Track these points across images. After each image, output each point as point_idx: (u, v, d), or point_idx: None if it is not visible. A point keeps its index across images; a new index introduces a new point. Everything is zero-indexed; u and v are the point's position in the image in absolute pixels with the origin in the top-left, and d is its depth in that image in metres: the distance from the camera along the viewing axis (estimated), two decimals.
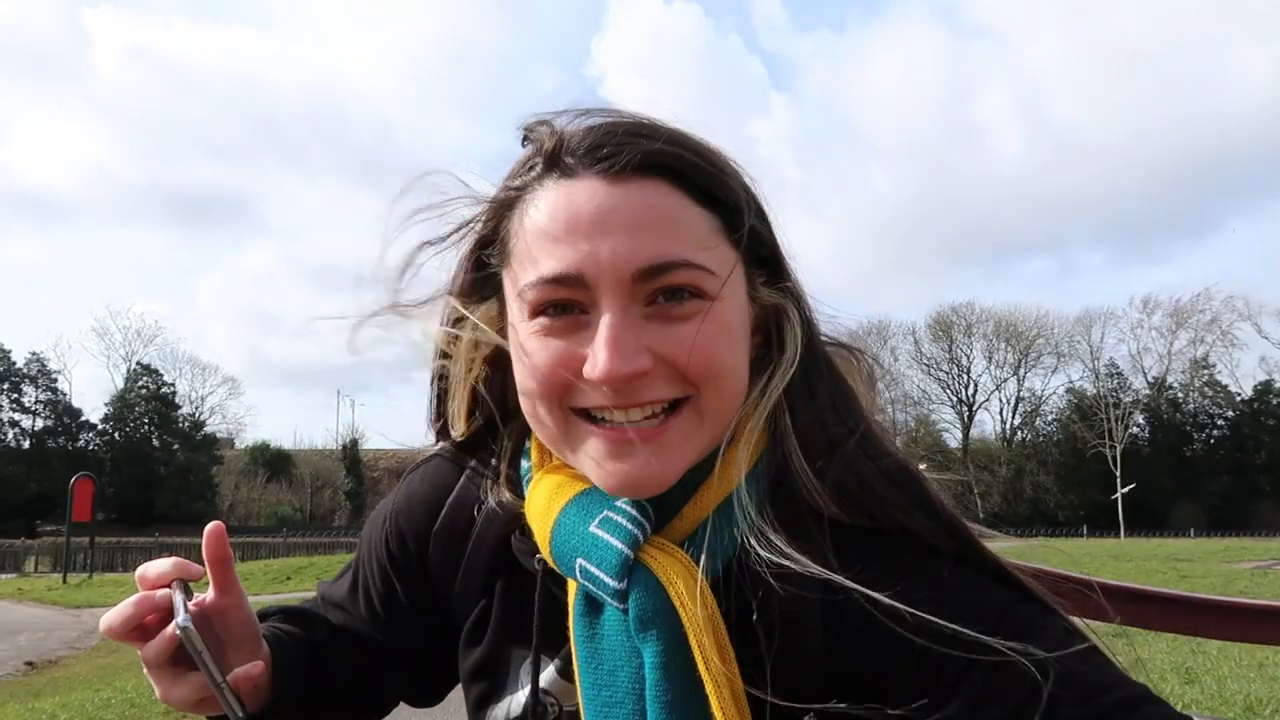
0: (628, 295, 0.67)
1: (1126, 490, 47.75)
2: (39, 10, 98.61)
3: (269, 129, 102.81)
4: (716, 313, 0.69)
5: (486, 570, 0.82)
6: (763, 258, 0.76)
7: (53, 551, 28.75)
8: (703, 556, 0.68)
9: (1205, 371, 59.82)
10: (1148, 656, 6.97)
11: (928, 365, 61.23)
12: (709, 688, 0.64)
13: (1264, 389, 58.73)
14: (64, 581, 20.48)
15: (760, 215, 0.75)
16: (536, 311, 0.69)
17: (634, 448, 0.68)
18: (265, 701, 0.79)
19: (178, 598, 0.73)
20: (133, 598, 0.74)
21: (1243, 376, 62.48)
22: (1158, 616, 1.57)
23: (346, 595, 0.95)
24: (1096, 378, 59.97)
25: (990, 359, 62.06)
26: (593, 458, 0.70)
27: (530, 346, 0.70)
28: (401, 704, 0.98)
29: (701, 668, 0.64)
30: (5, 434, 56.96)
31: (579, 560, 0.69)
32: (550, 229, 0.68)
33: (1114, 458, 54.04)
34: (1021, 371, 61.71)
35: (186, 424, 61.44)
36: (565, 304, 0.68)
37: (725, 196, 0.71)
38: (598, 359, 0.65)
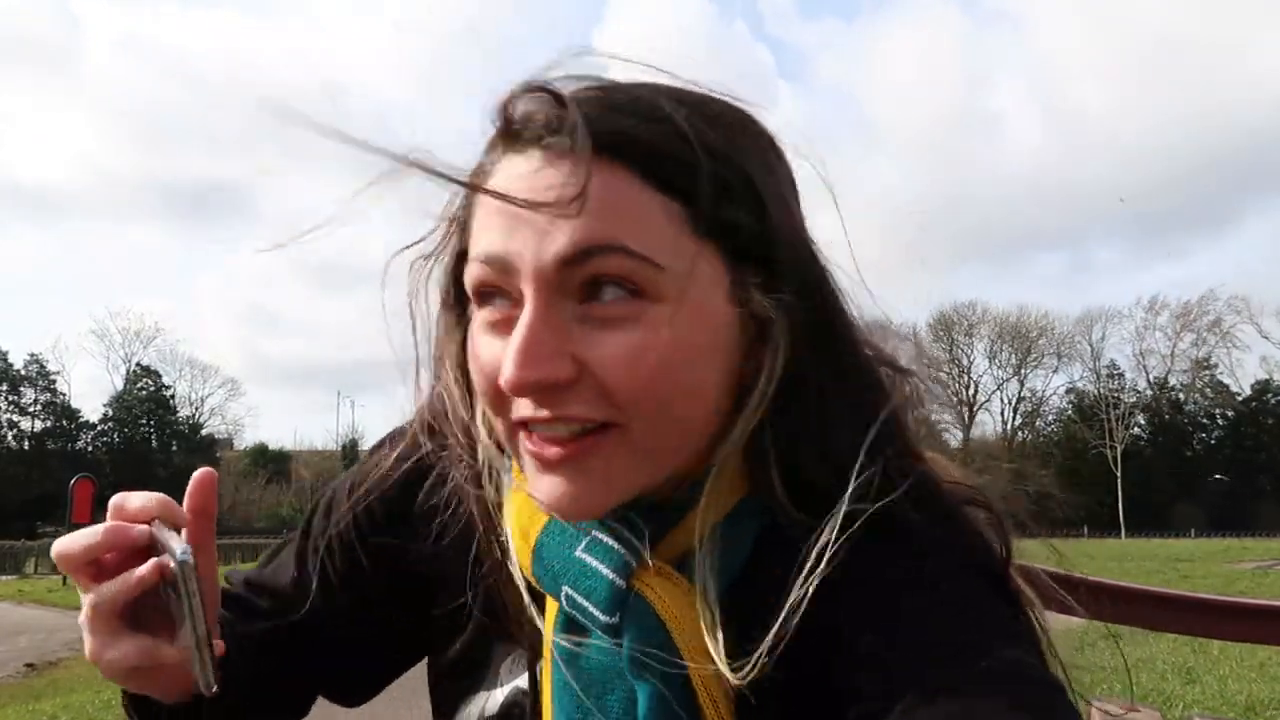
0: (553, 288, 0.58)
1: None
2: None
3: (265, 120, 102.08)
4: (661, 319, 0.57)
5: (465, 557, 0.74)
6: (756, 254, 0.62)
7: None
8: (708, 578, 0.61)
9: (1207, 372, 59.90)
10: (1148, 656, 6.97)
11: (928, 366, 61.13)
12: None
13: (1262, 388, 58.78)
14: (64, 583, 20.48)
15: (747, 200, 0.61)
16: (479, 299, 0.62)
17: (555, 466, 0.59)
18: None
19: (166, 533, 0.64)
20: (102, 525, 0.65)
21: (1244, 377, 62.48)
22: (1159, 616, 1.57)
23: (288, 582, 0.85)
24: (1098, 378, 60.09)
25: (992, 359, 62.21)
26: (529, 473, 0.62)
27: (477, 343, 0.62)
28: (369, 702, 0.90)
29: (709, 709, 0.60)
30: (4, 435, 57.01)
31: (565, 588, 0.62)
32: (488, 207, 0.61)
33: (1114, 458, 54.07)
34: (1023, 372, 61.85)
35: (185, 426, 61.45)
36: (501, 293, 0.61)
37: (688, 179, 0.59)
38: (505, 363, 0.57)
